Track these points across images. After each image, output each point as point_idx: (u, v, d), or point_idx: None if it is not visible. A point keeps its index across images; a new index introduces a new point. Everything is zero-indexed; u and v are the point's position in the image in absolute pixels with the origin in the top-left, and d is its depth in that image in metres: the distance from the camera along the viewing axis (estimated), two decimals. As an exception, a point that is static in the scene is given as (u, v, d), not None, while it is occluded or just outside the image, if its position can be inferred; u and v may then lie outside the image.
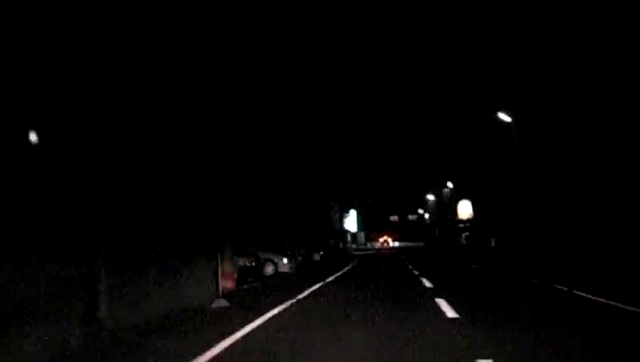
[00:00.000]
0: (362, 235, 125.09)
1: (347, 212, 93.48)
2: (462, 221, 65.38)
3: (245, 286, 19.72)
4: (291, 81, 53.77)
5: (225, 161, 18.53)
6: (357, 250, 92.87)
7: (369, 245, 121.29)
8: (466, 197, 65.25)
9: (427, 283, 19.40)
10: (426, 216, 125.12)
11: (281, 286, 20.77)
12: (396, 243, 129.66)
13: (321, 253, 46.53)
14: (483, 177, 55.15)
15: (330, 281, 22.54)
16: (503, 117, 32.81)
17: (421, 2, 73.86)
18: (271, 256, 26.17)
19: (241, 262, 20.49)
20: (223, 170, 18.07)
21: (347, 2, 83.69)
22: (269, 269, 25.93)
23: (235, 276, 16.45)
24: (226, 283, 15.59)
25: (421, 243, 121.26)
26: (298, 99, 57.10)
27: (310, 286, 19.67)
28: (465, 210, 65.63)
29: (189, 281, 13.25)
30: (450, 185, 70.06)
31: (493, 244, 42.41)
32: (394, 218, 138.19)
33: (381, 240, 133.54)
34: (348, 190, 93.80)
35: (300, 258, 42.50)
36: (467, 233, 62.34)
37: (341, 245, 65.01)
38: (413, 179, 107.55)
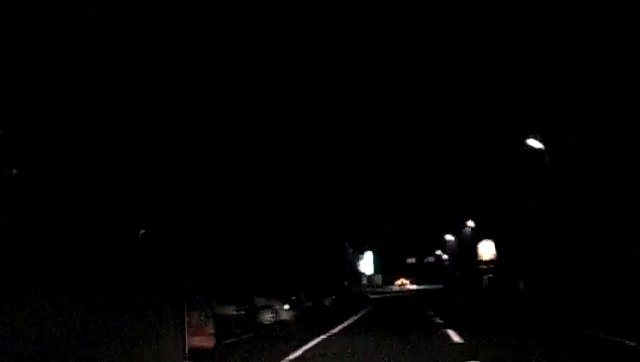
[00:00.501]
0: (379, 277, 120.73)
1: (362, 253, 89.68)
2: (484, 262, 61.42)
3: (232, 340, 16.34)
4: (304, 106, 51.13)
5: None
6: (373, 293, 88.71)
7: (386, 288, 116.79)
8: (487, 237, 61.45)
9: (455, 337, 15.76)
10: (444, 257, 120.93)
11: (276, 339, 17.39)
12: (414, 286, 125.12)
13: (333, 297, 42.93)
14: (507, 215, 51.49)
15: (338, 331, 19.11)
16: (533, 143, 29.39)
17: (436, 26, 71.17)
18: (269, 302, 22.75)
19: (226, 311, 17.06)
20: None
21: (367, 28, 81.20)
22: (268, 317, 22.50)
23: (213, 330, 13.08)
24: (201, 341, 12.26)
25: (439, 286, 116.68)
26: (310, 128, 54.24)
27: (313, 338, 16.30)
28: (487, 250, 61.72)
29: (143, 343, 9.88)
30: (471, 223, 66.30)
31: (522, 287, 38.60)
32: (411, 260, 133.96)
33: (398, 282, 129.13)
34: (363, 231, 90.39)
35: (309, 303, 39.01)
36: (490, 275, 58.38)
37: (355, 288, 61.34)
38: (431, 220, 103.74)
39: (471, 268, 67.41)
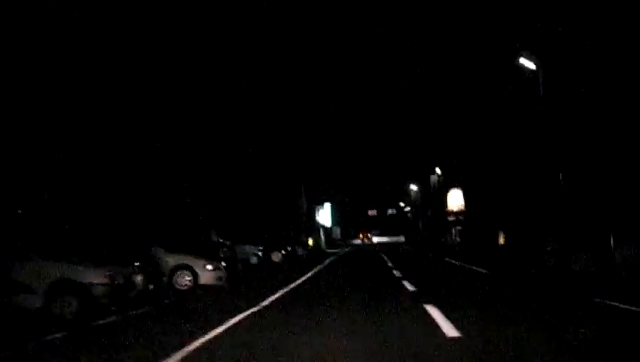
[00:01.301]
0: (338, 231, 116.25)
1: (321, 205, 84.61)
2: (452, 213, 56.90)
3: (102, 322, 10.85)
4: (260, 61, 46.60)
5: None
6: (333, 246, 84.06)
7: (349, 241, 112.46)
8: (457, 186, 56.80)
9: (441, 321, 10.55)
10: (407, 209, 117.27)
11: (183, 314, 12.17)
12: (375, 239, 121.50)
13: (283, 252, 37.75)
14: (481, 158, 46.69)
15: (277, 299, 13.89)
16: (525, 62, 23.98)
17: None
18: (186, 260, 17.26)
19: (90, 276, 11.36)
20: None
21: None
22: (184, 281, 17.07)
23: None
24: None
25: (401, 239, 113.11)
26: (265, 78, 49.34)
27: (240, 313, 11.17)
28: (455, 200, 57.12)
29: None
30: (438, 171, 61.39)
31: (501, 241, 33.99)
32: (372, 212, 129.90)
33: (361, 235, 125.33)
34: (321, 181, 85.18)
35: (254, 258, 33.82)
36: (459, 227, 54.00)
37: (311, 242, 56.39)
38: (394, 169, 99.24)
39: (437, 220, 62.95)
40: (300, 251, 44.37)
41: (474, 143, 49.89)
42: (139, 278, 13.60)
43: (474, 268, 24.67)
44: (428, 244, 62.50)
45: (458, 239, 51.95)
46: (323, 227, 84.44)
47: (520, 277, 19.88)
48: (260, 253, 33.47)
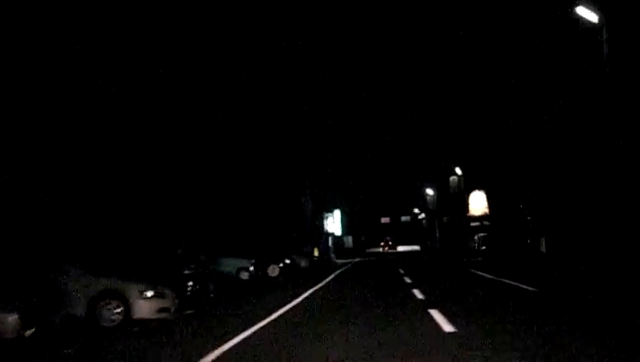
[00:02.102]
0: (349, 240, 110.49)
1: (329, 211, 79.15)
2: (474, 218, 51.47)
3: None
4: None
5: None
6: (344, 256, 78.41)
7: (362, 251, 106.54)
8: (479, 188, 51.38)
9: None
10: (422, 216, 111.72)
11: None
12: (400, 248, 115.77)
13: (281, 265, 32.57)
14: (509, 154, 41.39)
15: (237, 347, 8.76)
16: (584, 13, 18.56)
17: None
18: (116, 285, 12.05)
19: None
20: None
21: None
22: (110, 314, 11.89)
23: None
24: None
25: (416, 247, 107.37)
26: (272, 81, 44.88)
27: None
28: (478, 204, 51.72)
29: None
30: (458, 171, 55.70)
31: (543, 249, 28.59)
32: (385, 220, 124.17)
33: (382, 244, 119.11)
34: (330, 187, 79.83)
35: (244, 274, 28.61)
36: (483, 234, 48.53)
37: (317, 252, 51.10)
38: (408, 172, 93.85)
39: (455, 226, 57.46)
40: (302, 263, 39.15)
41: (498, 138, 44.64)
42: (10, 319, 8.52)
43: (514, 283, 19.40)
44: (446, 253, 57.02)
45: (483, 247, 46.57)
46: (332, 236, 78.94)
47: (589, 299, 14.63)
48: (251, 267, 28.31)
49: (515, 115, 42.04)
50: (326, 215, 75.46)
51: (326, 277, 29.64)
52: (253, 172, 38.61)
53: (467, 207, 53.00)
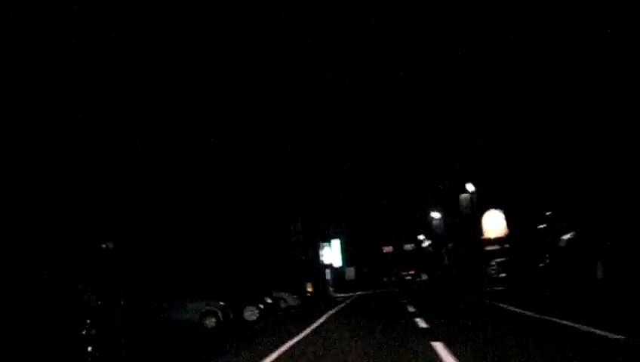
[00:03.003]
0: (351, 271, 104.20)
1: (327, 241, 73.16)
2: (491, 241, 45.52)
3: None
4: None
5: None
6: (345, 290, 72.19)
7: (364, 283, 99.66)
8: (494, 206, 45.49)
9: None
10: (426, 243, 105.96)
11: None
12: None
13: (261, 306, 26.58)
14: (529, 163, 35.77)
15: None
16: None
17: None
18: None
19: None
20: None
21: None
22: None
23: None
24: None
25: (424, 277, 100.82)
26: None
27: None
28: (494, 224, 45.77)
29: None
30: (470, 188, 49.45)
31: (600, 274, 22.69)
32: (388, 249, 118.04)
33: (402, 273, 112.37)
34: (326, 215, 74.07)
35: (211, 320, 22.51)
36: (502, 259, 42.42)
37: (310, 288, 44.88)
38: (410, 197, 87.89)
39: (472, 251, 51.31)
40: (290, 301, 33.12)
41: (513, 146, 39.03)
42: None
43: (583, 328, 13.47)
44: (456, 282, 50.77)
45: (502, 274, 40.55)
46: (331, 267, 72.73)
47: None
48: (218, 311, 22.36)
49: (531, 116, 36.71)
50: (322, 245, 69.57)
51: (319, 318, 23.67)
52: (230, 193, 32.91)
53: (481, 229, 47.11)
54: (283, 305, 32.44)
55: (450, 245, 69.85)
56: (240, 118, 38.35)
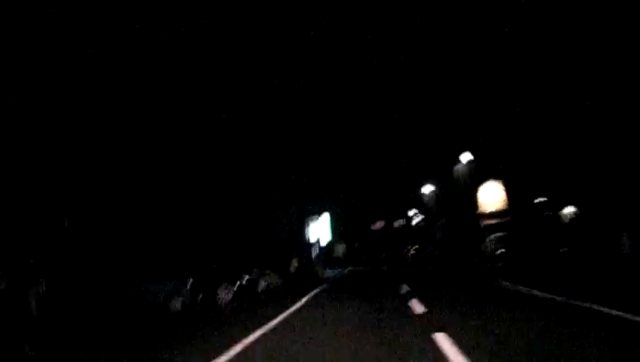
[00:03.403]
0: (341, 248, 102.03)
1: (314, 215, 70.47)
2: (488, 214, 43.06)
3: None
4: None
5: None
6: (334, 266, 69.96)
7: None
8: (493, 177, 42.93)
9: None
10: (416, 219, 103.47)
11: None
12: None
13: (236, 286, 23.95)
14: (531, 133, 33.21)
15: None
16: None
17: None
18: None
19: None
20: None
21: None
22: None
23: None
24: None
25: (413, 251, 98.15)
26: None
27: None
28: (491, 197, 43.27)
29: None
30: (466, 157, 46.40)
31: (627, 248, 20.05)
32: (376, 225, 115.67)
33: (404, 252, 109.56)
34: (314, 189, 71.31)
35: (177, 302, 19.96)
36: (500, 233, 39.91)
37: (295, 265, 42.27)
38: (400, 170, 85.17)
39: (468, 225, 48.78)
40: (270, 280, 30.53)
41: (514, 112, 36.39)
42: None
43: (603, 310, 10.96)
44: (453, 259, 48.27)
45: (501, 250, 38.04)
46: (318, 244, 70.13)
47: None
48: (185, 292, 19.75)
49: (533, 75, 34.15)
50: (310, 219, 66.92)
51: (302, 297, 21.15)
52: (206, 166, 30.20)
53: (476, 203, 44.62)
54: (264, 283, 29.89)
55: (444, 220, 67.46)
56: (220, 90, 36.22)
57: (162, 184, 25.71)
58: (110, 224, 22.33)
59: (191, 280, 19.94)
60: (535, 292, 15.20)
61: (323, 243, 76.07)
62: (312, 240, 67.02)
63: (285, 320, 14.70)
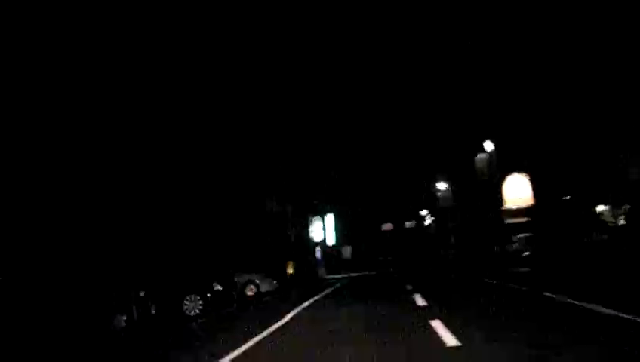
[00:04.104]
0: (348, 250, 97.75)
1: (318, 215, 66.08)
2: (514, 212, 38.52)
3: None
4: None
5: None
6: (338, 271, 65.47)
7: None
8: (518, 170, 38.39)
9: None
10: (427, 221, 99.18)
11: None
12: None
13: (208, 296, 19.57)
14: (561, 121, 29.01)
15: None
16: None
17: None
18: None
19: None
20: None
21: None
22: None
23: None
24: None
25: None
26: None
27: None
28: (517, 192, 38.71)
29: None
30: (489, 146, 41.21)
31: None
32: (387, 226, 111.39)
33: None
34: (318, 188, 67.22)
35: (121, 320, 15.48)
36: (525, 234, 35.21)
37: (291, 269, 37.85)
38: (412, 167, 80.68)
39: (491, 224, 44.03)
40: (260, 286, 26.23)
41: (547, 95, 32.04)
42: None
43: None
44: (469, 264, 43.68)
45: (526, 252, 33.47)
46: (321, 245, 65.52)
47: None
48: (131, 306, 15.42)
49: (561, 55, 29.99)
50: (312, 219, 62.58)
51: (294, 308, 16.84)
52: (186, 159, 26.06)
53: (501, 199, 40.14)
54: (251, 291, 25.74)
55: (459, 220, 63.28)
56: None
57: (126, 186, 21.65)
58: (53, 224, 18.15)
59: (142, 293, 15.61)
60: (600, 308, 10.88)
61: (328, 244, 71.79)
62: (316, 240, 62.64)
63: (265, 338, 10.55)
